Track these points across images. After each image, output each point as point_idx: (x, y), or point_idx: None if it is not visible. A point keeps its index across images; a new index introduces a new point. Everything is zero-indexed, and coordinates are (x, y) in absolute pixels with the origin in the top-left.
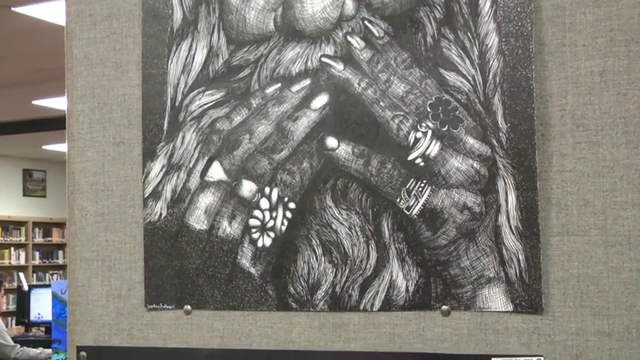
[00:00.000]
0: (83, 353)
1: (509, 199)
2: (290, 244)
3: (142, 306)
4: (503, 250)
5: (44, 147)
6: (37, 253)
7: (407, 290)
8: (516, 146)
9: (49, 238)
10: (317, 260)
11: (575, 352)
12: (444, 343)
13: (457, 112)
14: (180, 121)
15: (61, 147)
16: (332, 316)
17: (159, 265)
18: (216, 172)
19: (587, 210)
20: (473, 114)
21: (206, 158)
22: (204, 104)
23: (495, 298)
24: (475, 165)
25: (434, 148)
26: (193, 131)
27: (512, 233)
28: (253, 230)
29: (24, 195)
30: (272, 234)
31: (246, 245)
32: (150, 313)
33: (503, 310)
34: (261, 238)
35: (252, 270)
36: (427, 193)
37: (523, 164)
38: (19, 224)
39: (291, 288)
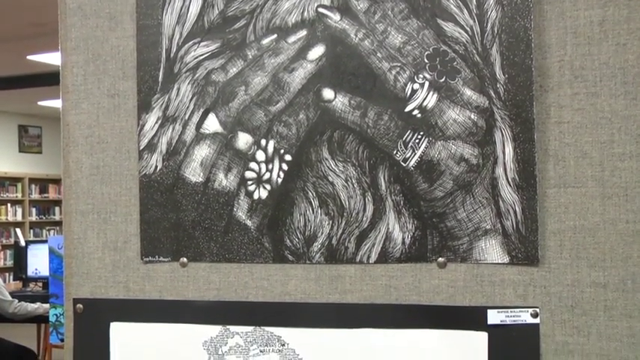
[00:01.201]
0: (80, 305)
1: (507, 151)
2: (286, 197)
3: (138, 258)
4: (500, 202)
5: (39, 103)
6: (33, 210)
7: (403, 242)
8: (514, 98)
9: (46, 195)
10: (313, 212)
11: (571, 303)
12: (440, 295)
13: (455, 63)
14: (175, 73)
15: (57, 103)
16: (328, 269)
17: (154, 218)
18: (212, 124)
19: (584, 162)
20: (470, 65)
21: (201, 110)
22: (200, 56)
23: (491, 250)
24: (472, 116)
25: (431, 100)
26: (188, 83)
27: (509, 185)
28: (249, 182)
29: (20, 151)
30: (268, 186)
31: (242, 197)
32: (146, 266)
33: (500, 262)
34: (257, 191)
35: (248, 222)
36: (424, 145)
37: (520, 116)
38: (15, 180)
39: (288, 240)
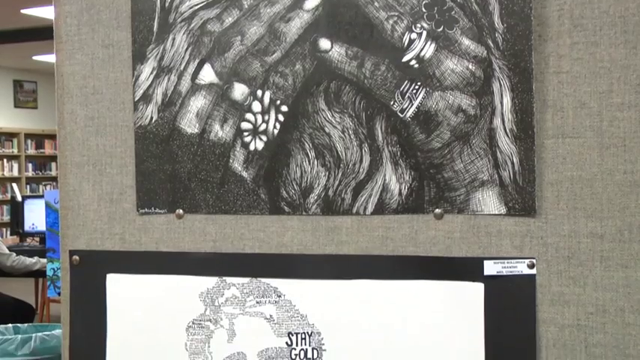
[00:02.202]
0: (76, 257)
1: (505, 101)
2: (282, 148)
3: (134, 210)
4: (498, 152)
5: (34, 57)
6: (29, 165)
7: (400, 194)
8: (512, 47)
9: (42, 150)
10: (310, 164)
11: (567, 254)
12: (437, 246)
13: (453, 12)
14: (170, 23)
15: (52, 58)
16: (325, 220)
17: (150, 169)
18: (208, 74)
19: (582, 112)
20: (469, 14)
21: (197, 60)
22: (195, 5)
23: (488, 201)
24: (470, 66)
25: (429, 50)
26: (184, 33)
27: (507, 136)
28: (245, 134)
29: (15, 106)
30: (264, 137)
31: (238, 149)
32: (142, 218)
33: (496, 212)
34: (253, 142)
35: (245, 174)
36: (421, 96)
37: (519, 66)
38: (10, 136)
39: (284, 192)
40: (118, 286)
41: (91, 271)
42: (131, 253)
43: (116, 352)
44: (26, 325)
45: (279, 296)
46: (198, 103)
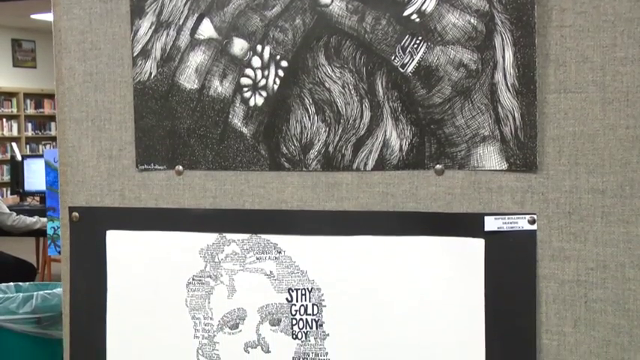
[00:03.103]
0: (75, 214)
1: (507, 56)
2: (282, 103)
3: (133, 166)
4: (499, 108)
5: (33, 16)
6: (29, 125)
7: (401, 149)
8: (515, 1)
9: (41, 110)
10: (310, 119)
11: (568, 209)
12: (437, 202)
13: None
14: None
15: (51, 16)
16: (325, 176)
17: (149, 125)
18: (207, 29)
19: (585, 66)
20: None
21: (196, 15)
22: None
23: (489, 157)
24: (472, 21)
25: (430, 3)
26: None
27: (509, 91)
28: (245, 89)
29: (14, 66)
30: (264, 93)
31: (237, 104)
32: (141, 174)
33: (497, 168)
34: (253, 97)
35: (244, 129)
36: (422, 50)
37: (521, 19)
38: (9, 95)
39: (284, 147)
40: (118, 242)
41: (91, 228)
42: (131, 210)
43: (116, 308)
44: (27, 283)
45: (280, 252)
46: (198, 58)
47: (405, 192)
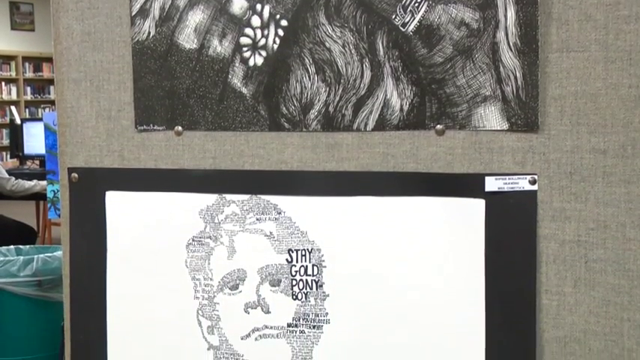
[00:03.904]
0: (74, 175)
1: (509, 15)
2: (282, 63)
3: (132, 127)
4: (501, 67)
5: None
6: (28, 89)
7: (401, 109)
8: None
9: (40, 73)
10: (310, 79)
11: (570, 169)
12: (438, 162)
13: None
14: None
15: None
16: (325, 136)
17: (148, 86)
18: None
19: (588, 25)
20: None
21: None
22: None
23: (491, 117)
24: None
25: None
26: None
27: (511, 50)
28: (244, 49)
29: (12, 29)
30: (264, 52)
31: (237, 64)
32: (140, 135)
33: (499, 128)
34: (252, 57)
35: (244, 90)
36: (423, 9)
37: None
38: (8, 59)
39: (284, 108)
40: (118, 203)
41: (90, 189)
42: (130, 171)
43: (116, 269)
44: (28, 246)
45: (279, 213)
46: (196, 17)
47: (405, 152)
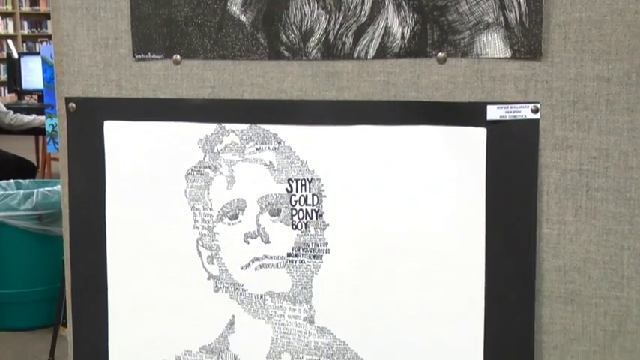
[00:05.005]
0: (72, 104)
1: None
2: None
3: (130, 56)
4: None
5: None
6: (25, 23)
7: (402, 37)
8: None
9: (37, 7)
10: (309, 6)
11: (572, 97)
12: (439, 90)
13: None
14: None
15: None
16: (325, 65)
17: (146, 14)
18: None
19: None
20: None
21: None
22: None
23: (493, 44)
24: None
25: None
26: None
27: None
28: None
29: None
30: None
31: None
32: (138, 64)
33: (501, 56)
34: None
35: (243, 17)
36: None
37: None
38: None
39: (283, 36)
40: (116, 133)
41: (88, 119)
42: (128, 100)
43: (115, 200)
44: (28, 181)
45: (279, 142)
46: None
47: (406, 81)
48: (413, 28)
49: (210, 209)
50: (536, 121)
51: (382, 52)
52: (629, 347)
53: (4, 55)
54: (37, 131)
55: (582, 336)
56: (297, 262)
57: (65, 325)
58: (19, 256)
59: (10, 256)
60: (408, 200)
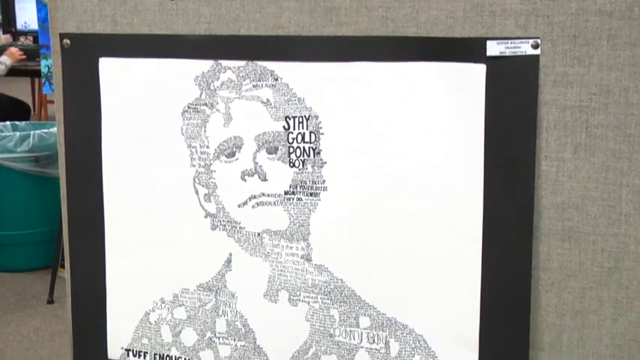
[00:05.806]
0: (66, 41)
1: None
2: None
3: None
4: None
5: None
6: None
7: None
8: None
9: None
10: None
11: (574, 32)
12: (439, 26)
13: None
14: None
15: None
16: (323, 0)
17: None
18: None
19: None
20: None
21: None
22: None
23: None
24: None
25: None
26: None
27: None
28: None
29: None
30: None
31: None
32: None
33: None
34: None
35: None
36: None
37: None
38: None
39: None
40: (111, 70)
41: (83, 55)
42: (123, 36)
43: (111, 137)
44: (24, 122)
45: (276, 79)
46: None
47: (405, 16)
48: None
49: (207, 147)
50: (537, 56)
51: None
52: (625, 284)
53: None
54: (33, 73)
55: (579, 273)
56: (295, 200)
57: (64, 266)
58: (16, 198)
59: (8, 197)
60: (406, 137)
